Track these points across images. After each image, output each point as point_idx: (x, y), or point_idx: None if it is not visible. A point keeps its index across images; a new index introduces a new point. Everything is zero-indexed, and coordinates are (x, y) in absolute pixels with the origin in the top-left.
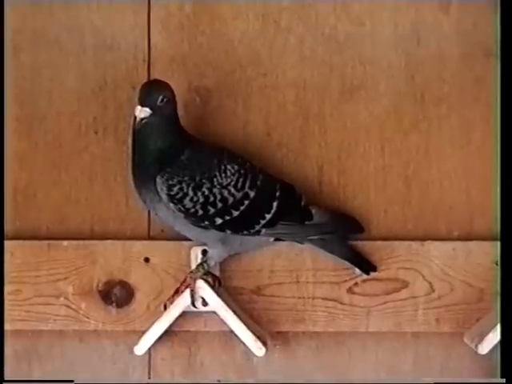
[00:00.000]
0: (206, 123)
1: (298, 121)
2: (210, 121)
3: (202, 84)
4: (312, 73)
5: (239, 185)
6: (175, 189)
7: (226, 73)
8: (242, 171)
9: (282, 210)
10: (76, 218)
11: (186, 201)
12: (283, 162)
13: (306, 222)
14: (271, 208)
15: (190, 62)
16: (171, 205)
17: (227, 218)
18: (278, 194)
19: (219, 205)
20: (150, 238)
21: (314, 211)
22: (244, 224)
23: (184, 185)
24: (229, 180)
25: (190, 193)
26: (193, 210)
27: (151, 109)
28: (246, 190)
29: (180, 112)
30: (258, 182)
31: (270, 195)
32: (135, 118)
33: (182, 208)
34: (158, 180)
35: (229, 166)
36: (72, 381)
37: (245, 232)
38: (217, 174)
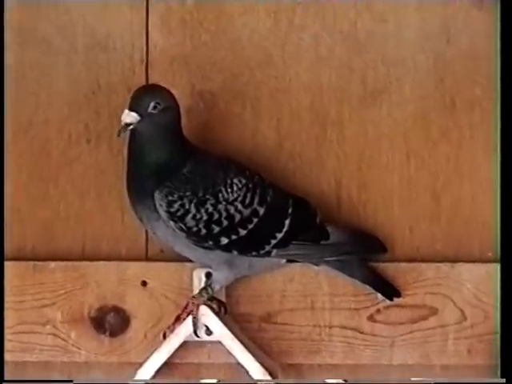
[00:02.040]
0: (211, 131)
1: (313, 129)
2: (215, 129)
3: (206, 87)
4: (329, 75)
5: (247, 200)
6: (176, 205)
7: (233, 75)
8: (250, 185)
9: (295, 228)
10: (65, 237)
11: (188, 218)
12: (296, 174)
13: (322, 242)
14: (283, 226)
15: (192, 63)
16: (171, 223)
17: (234, 237)
18: (290, 210)
19: (225, 223)
20: (147, 259)
21: (330, 229)
22: (252, 244)
23: (185, 201)
24: (235, 195)
25: (193, 210)
26: (195, 229)
27: (140, 115)
28: (255, 206)
29: (182, 119)
30: (268, 198)
31: (281, 212)
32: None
33: (184, 226)
34: (157, 195)
35: (235, 180)
36: (71, 381)
37: (253, 253)
38: (222, 189)
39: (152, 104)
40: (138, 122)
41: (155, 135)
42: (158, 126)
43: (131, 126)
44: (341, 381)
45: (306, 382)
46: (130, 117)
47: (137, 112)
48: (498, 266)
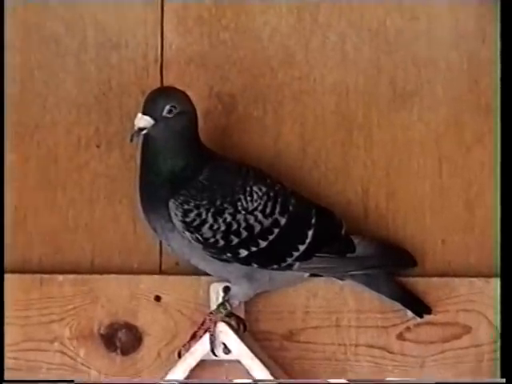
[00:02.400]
0: (229, 136)
1: (338, 133)
2: (234, 133)
3: (224, 89)
4: (356, 76)
5: (268, 210)
6: (192, 215)
7: (253, 76)
8: (271, 194)
9: (319, 239)
10: (74, 248)
11: (205, 229)
12: (321, 182)
13: (348, 255)
14: (306, 237)
15: (210, 64)
16: (187, 234)
17: (253, 249)
18: (313, 220)
19: (244, 234)
20: (161, 272)
21: (357, 241)
22: (273, 257)
23: (202, 210)
24: (255, 204)
25: (210, 219)
26: (212, 240)
27: (154, 119)
28: (276, 216)
29: (199, 123)
30: (291, 207)
31: (304, 222)
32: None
33: (200, 237)
34: (172, 204)
35: (255, 188)
36: (72, 381)
37: (274, 266)
38: (241, 198)
39: (167, 108)
40: (152, 126)
41: (170, 140)
42: (173, 131)
43: (145, 131)
44: (344, 381)
45: (307, 382)
46: (143, 121)
47: (151, 116)
48: None
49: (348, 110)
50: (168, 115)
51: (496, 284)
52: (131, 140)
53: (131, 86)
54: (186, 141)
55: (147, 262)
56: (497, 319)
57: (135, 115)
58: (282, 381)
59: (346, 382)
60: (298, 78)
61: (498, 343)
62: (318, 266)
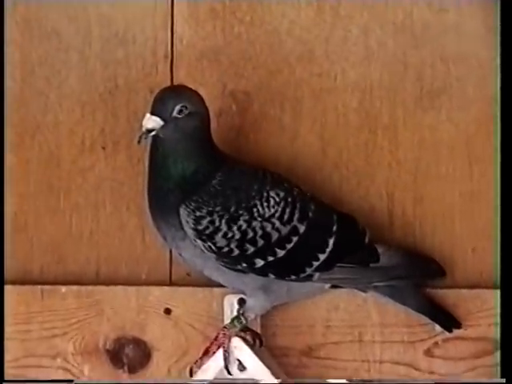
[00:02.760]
0: (244, 137)
1: (361, 134)
2: (250, 134)
3: (239, 87)
4: (380, 73)
5: (286, 217)
6: (204, 222)
7: (270, 73)
8: (289, 199)
9: (341, 248)
10: (78, 257)
11: (218, 237)
12: (342, 187)
13: (371, 265)
14: (327, 246)
15: (224, 59)
16: (199, 242)
17: (270, 258)
18: (335, 228)
19: (260, 242)
20: (171, 283)
21: (381, 250)
22: (292, 267)
23: (215, 217)
24: (272, 211)
25: (224, 227)
26: (227, 249)
27: (163, 120)
28: (295, 223)
29: (211, 123)
30: (310, 214)
31: (324, 230)
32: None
33: (213, 246)
34: (183, 211)
35: (272, 193)
36: (71, 381)
37: (293, 277)
38: (257, 203)
39: (177, 108)
40: (161, 127)
41: (180, 142)
42: (184, 133)
43: (153, 132)
44: (344, 381)
45: (307, 382)
46: (152, 122)
47: (160, 116)
48: None
49: (372, 108)
50: (178, 116)
51: None
52: (139, 142)
53: (139, 84)
54: (197, 143)
55: (156, 272)
56: None
57: (143, 115)
58: (281, 381)
59: (346, 382)
60: (317, 75)
61: None
62: (340, 277)
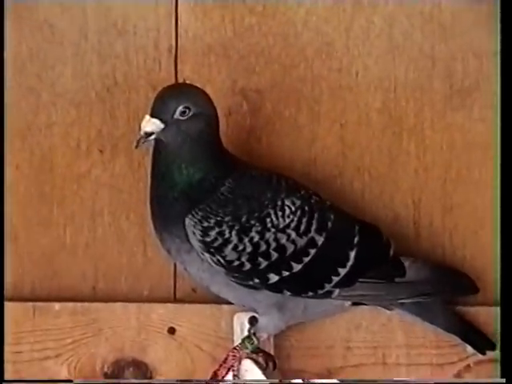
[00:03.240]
0: (256, 140)
1: (385, 136)
2: (262, 136)
3: (250, 84)
4: (406, 69)
5: (302, 227)
6: (212, 233)
7: (284, 68)
8: (306, 208)
9: (363, 262)
10: (73, 271)
11: (228, 250)
12: (364, 194)
13: (397, 280)
14: (347, 260)
15: (234, 54)
16: (207, 255)
17: (285, 273)
18: (356, 239)
19: (274, 255)
20: (176, 300)
21: (407, 264)
22: (309, 282)
23: (225, 227)
24: (288, 221)
25: (234, 239)
26: (237, 263)
27: (163, 122)
28: (312, 234)
29: (220, 125)
30: (329, 224)
31: (345, 242)
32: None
33: (222, 260)
34: (189, 221)
35: (288, 202)
36: (71, 381)
37: (310, 293)
38: (271, 213)
39: (179, 109)
40: (162, 130)
41: (185, 146)
42: (188, 136)
43: (153, 136)
44: (335, 381)
45: (307, 382)
46: (151, 124)
47: (160, 119)
48: None
49: (396, 108)
50: (181, 117)
51: None
52: (136, 146)
53: (140, 81)
54: (204, 146)
55: (159, 288)
56: None
57: (144, 115)
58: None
59: (337, 381)
60: (337, 70)
61: None
62: (362, 293)
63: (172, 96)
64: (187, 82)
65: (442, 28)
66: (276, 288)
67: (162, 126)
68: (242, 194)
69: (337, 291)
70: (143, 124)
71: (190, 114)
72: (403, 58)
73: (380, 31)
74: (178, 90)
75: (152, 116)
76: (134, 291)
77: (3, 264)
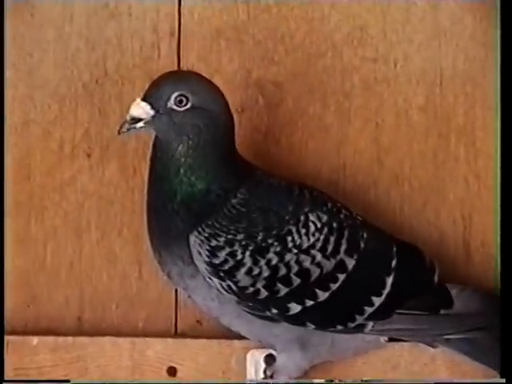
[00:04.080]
0: (275, 141)
1: (429, 139)
2: (282, 137)
3: (268, 75)
4: (453, 58)
5: (330, 248)
6: (222, 254)
7: (308, 57)
8: (334, 225)
9: (402, 290)
10: (54, 298)
11: (241, 274)
12: (404, 208)
13: (442, 311)
14: (383, 287)
15: (248, 39)
16: (215, 280)
17: (309, 303)
18: (394, 262)
19: (296, 281)
20: (177, 334)
21: (454, 293)
22: (337, 314)
23: (237, 247)
24: (312, 240)
25: (248, 260)
26: (251, 290)
27: (154, 108)
28: (342, 256)
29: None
30: (362, 244)
31: (381, 265)
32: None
33: (234, 286)
34: (194, 239)
35: (312, 217)
36: (68, 381)
37: (338, 327)
38: (292, 230)
39: (174, 96)
40: (152, 118)
41: (182, 146)
42: (185, 132)
43: (140, 124)
44: (322, 381)
45: (305, 382)
46: (139, 109)
47: (151, 104)
48: None
49: (442, 105)
50: (176, 107)
51: None
52: (119, 132)
53: (135, 71)
54: (207, 149)
55: (157, 319)
56: None
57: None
58: (273, 380)
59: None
60: (371, 60)
61: None
62: (400, 328)
63: (168, 81)
64: None
65: (497, 11)
66: (298, 320)
67: (151, 112)
68: (258, 207)
69: (370, 324)
70: (131, 108)
71: (188, 106)
72: (451, 45)
73: (423, 13)
74: (177, 76)
75: (143, 100)
76: (127, 323)
77: None
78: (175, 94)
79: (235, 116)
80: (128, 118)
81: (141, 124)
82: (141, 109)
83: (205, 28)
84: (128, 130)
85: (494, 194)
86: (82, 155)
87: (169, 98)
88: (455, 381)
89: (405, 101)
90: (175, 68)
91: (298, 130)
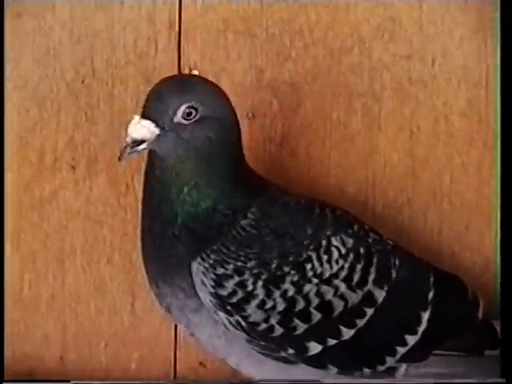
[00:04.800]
0: (291, 152)
1: (473, 149)
2: (299, 147)
3: (283, 74)
4: (502, 55)
5: (356, 277)
6: (230, 284)
7: (330, 53)
8: (361, 250)
9: (440, 327)
10: (31, 337)
11: (252, 308)
12: (443, 231)
13: (487, 353)
14: (419, 323)
15: (260, 32)
16: (222, 315)
17: (332, 342)
18: (431, 295)
19: (316, 317)
20: (176, 378)
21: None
22: (364, 355)
23: (247, 276)
24: (336, 268)
25: (260, 292)
26: (264, 327)
27: (159, 126)
28: (370, 287)
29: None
30: (393, 273)
31: (415, 298)
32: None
33: (244, 322)
34: (197, 267)
35: (335, 241)
36: (69, 381)
37: (365, 370)
38: (312, 256)
39: (182, 109)
40: (157, 137)
41: (189, 162)
42: (193, 148)
43: (143, 145)
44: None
45: (304, 382)
46: (141, 129)
47: (155, 122)
48: None
49: (489, 110)
50: (184, 121)
51: None
52: (120, 158)
53: (128, 69)
54: (216, 163)
55: (154, 360)
56: None
57: (134, 116)
58: (275, 380)
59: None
60: (405, 57)
61: None
62: (439, 371)
63: (173, 91)
64: (194, 71)
65: None
66: (318, 362)
67: (156, 131)
68: (271, 229)
69: (403, 367)
70: (131, 128)
71: (197, 117)
72: (498, 39)
73: (465, 3)
74: (181, 84)
75: (143, 117)
76: (118, 364)
77: None
78: (183, 108)
79: (245, 123)
80: (129, 140)
81: (144, 146)
82: (144, 129)
83: (210, 19)
84: (130, 154)
85: None
86: (66, 167)
87: (175, 113)
88: (455, 381)
89: (444, 105)
90: (175, 66)
91: (318, 140)
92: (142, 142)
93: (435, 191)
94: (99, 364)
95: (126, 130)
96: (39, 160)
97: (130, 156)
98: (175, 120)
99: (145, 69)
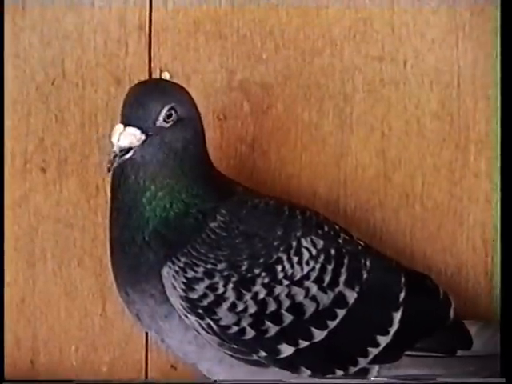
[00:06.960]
0: (262, 153)
1: (446, 151)
2: (271, 150)
3: (254, 76)
4: (475, 56)
5: (327, 278)
6: (200, 287)
7: (302, 54)
8: (331, 251)
9: (412, 327)
10: (3, 340)
11: (223, 311)
12: (415, 232)
13: (459, 353)
14: (390, 324)
15: (231, 33)
16: (192, 319)
17: (303, 344)
18: (402, 295)
19: (288, 318)
20: (148, 381)
21: (474, 331)
22: (336, 357)
23: (218, 279)
24: (307, 269)
25: (230, 294)
26: (235, 329)
27: (144, 132)
28: (341, 288)
29: (209, 134)
30: (364, 274)
31: (387, 299)
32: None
33: (215, 325)
34: (167, 272)
35: (306, 242)
36: (71, 381)
37: (338, 372)
38: (283, 258)
39: (164, 112)
40: (142, 144)
41: (167, 167)
42: (172, 151)
43: (130, 153)
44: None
45: (304, 382)
46: (128, 137)
47: (139, 127)
48: None
49: (461, 111)
50: (165, 124)
51: None
52: (109, 170)
53: (99, 70)
54: (189, 164)
55: (124, 363)
56: None
57: (105, 118)
58: (272, 381)
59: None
60: (377, 59)
61: None
62: (411, 372)
63: (152, 95)
64: (165, 73)
65: None
66: (290, 364)
67: (142, 137)
68: (241, 231)
69: (375, 369)
70: (116, 136)
71: (176, 119)
72: (470, 41)
73: (438, 2)
74: (157, 87)
75: (127, 125)
76: (89, 367)
77: None
78: (165, 110)
79: (216, 124)
80: (117, 150)
81: (130, 154)
82: (130, 136)
83: (180, 20)
84: (118, 164)
85: None
86: (36, 170)
87: (157, 117)
88: (455, 381)
89: (416, 106)
90: (145, 67)
91: (290, 141)
92: (129, 149)
93: (407, 192)
94: (69, 367)
95: (110, 139)
96: (11, 163)
97: (117, 164)
98: (157, 124)
99: (115, 70)
